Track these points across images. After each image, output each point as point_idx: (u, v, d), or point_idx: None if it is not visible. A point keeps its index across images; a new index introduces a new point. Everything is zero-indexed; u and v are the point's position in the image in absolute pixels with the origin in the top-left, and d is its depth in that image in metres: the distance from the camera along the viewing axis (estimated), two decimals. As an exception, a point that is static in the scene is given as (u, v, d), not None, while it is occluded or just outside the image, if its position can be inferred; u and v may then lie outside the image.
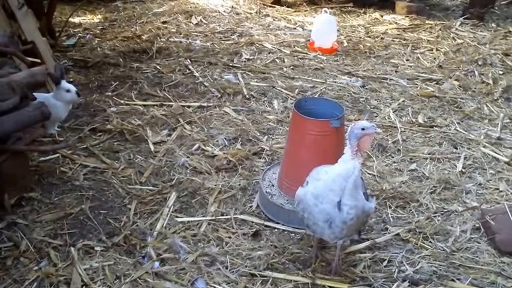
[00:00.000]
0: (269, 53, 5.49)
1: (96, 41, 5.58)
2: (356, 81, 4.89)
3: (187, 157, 3.60)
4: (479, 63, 5.36)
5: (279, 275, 2.64)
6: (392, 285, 2.61)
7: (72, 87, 3.52)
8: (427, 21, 6.62)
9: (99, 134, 3.85)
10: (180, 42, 5.64)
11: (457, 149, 3.86)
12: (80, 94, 3.62)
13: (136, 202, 3.14)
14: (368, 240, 2.89)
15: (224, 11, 6.82)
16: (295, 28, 6.32)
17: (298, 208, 2.54)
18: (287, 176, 3.07)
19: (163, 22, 6.25)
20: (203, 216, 3.06)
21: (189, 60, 5.16)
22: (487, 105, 4.51)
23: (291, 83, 4.79)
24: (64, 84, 3.49)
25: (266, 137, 3.92)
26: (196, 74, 4.88)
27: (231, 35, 5.98)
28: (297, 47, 5.67)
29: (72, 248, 2.75)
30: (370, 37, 6.08)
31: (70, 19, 5.70)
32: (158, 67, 4.99)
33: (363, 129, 2.26)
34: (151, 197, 3.20)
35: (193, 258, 2.72)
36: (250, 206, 3.16)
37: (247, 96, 4.51)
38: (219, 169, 3.49)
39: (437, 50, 5.72)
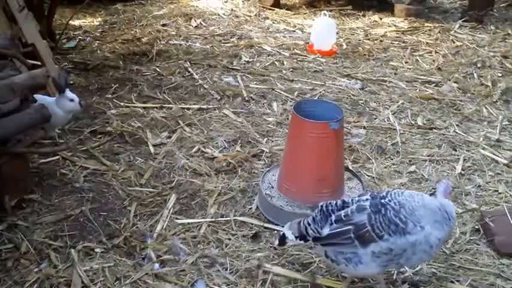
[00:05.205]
0: (268, 56, 5.50)
1: (96, 44, 5.59)
2: (355, 83, 4.90)
3: (187, 159, 3.61)
4: (478, 65, 5.37)
5: (278, 277, 2.64)
6: (392, 287, 2.61)
7: (76, 97, 3.43)
8: (426, 24, 6.63)
9: (99, 136, 3.86)
10: (180, 44, 5.66)
11: (456, 151, 3.87)
12: (83, 105, 3.51)
13: (136, 204, 3.15)
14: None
15: (224, 14, 6.83)
16: (294, 31, 6.33)
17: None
18: (287, 178, 3.07)
19: (163, 25, 6.26)
20: (203, 218, 3.07)
21: (188, 63, 5.17)
22: (486, 108, 4.52)
23: (290, 86, 4.80)
24: (68, 93, 3.41)
25: (266, 139, 3.93)
26: (196, 77, 4.89)
27: (231, 37, 5.99)
28: (296, 49, 5.68)
29: (72, 250, 2.75)
30: (369, 40, 6.09)
31: (70, 22, 5.71)
32: (158, 69, 5.00)
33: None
34: (151, 199, 3.20)
35: (193, 260, 2.72)
36: (250, 208, 3.17)
37: (246, 98, 4.51)
38: (218, 171, 3.50)
39: (436, 52, 5.73)
